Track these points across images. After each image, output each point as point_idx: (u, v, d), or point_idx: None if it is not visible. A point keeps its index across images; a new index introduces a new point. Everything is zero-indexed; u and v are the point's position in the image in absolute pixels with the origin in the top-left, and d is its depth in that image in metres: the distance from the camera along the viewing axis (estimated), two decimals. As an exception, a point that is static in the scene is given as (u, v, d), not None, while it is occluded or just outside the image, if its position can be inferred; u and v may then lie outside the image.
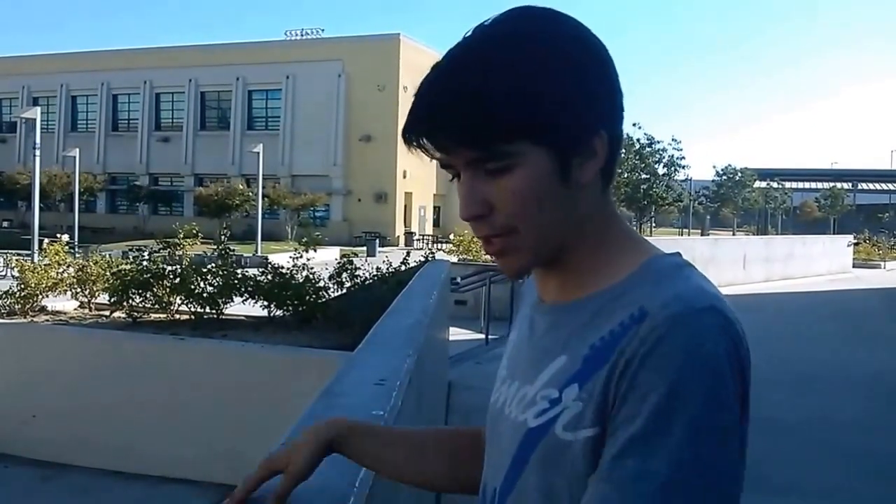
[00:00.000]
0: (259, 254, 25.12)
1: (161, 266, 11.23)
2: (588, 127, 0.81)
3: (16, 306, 10.88)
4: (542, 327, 0.88)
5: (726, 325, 0.75)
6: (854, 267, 28.10)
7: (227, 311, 10.99)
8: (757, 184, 62.88)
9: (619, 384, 0.74)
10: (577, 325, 0.82)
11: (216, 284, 10.82)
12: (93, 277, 11.26)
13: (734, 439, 0.73)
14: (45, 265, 11.45)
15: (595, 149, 0.82)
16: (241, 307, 11.08)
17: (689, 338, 0.73)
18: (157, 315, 11.08)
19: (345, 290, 10.81)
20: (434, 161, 0.88)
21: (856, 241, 31.44)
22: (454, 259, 16.15)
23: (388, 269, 10.78)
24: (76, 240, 26.14)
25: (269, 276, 10.83)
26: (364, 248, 27.24)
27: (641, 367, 0.73)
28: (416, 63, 42.76)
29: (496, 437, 0.91)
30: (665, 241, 22.93)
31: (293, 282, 10.66)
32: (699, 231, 61.46)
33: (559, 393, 0.80)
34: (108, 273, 11.14)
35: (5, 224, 42.80)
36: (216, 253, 11.69)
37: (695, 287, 0.78)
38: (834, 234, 38.84)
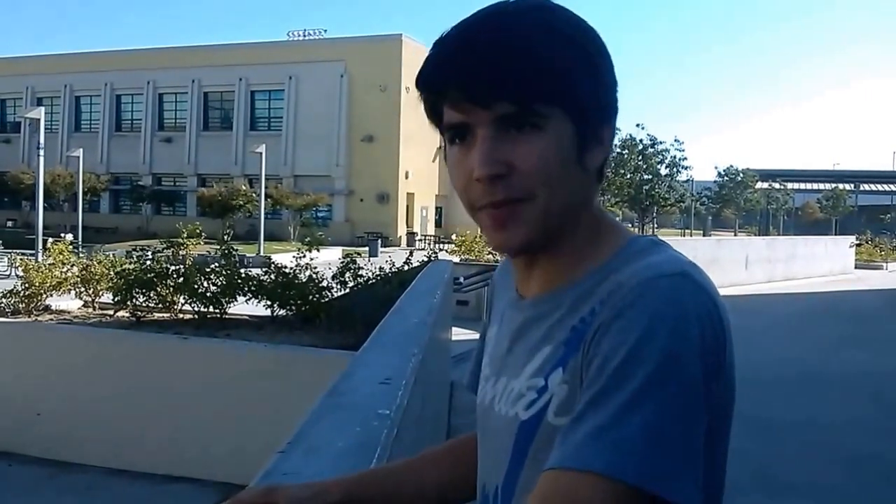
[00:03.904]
0: (262, 254, 25.12)
1: (164, 266, 11.26)
2: (602, 113, 0.84)
3: (20, 305, 10.92)
4: (525, 322, 0.88)
5: (696, 289, 0.75)
6: (856, 268, 28.06)
7: (230, 311, 11.01)
8: (759, 184, 62.72)
9: (589, 352, 0.76)
10: (560, 313, 0.83)
11: (219, 284, 10.85)
12: (96, 277, 11.28)
13: (693, 402, 0.71)
14: (49, 265, 11.48)
15: (603, 137, 0.85)
16: (244, 307, 11.10)
17: (653, 301, 0.73)
18: (161, 314, 11.11)
19: (348, 290, 10.84)
20: (438, 135, 0.86)
21: (858, 242, 31.35)
22: (456, 259, 16.16)
23: (391, 268, 10.80)
24: (80, 239, 26.10)
25: (273, 276, 10.85)
26: (366, 249, 27.20)
27: (607, 332, 0.74)
28: (419, 64, 42.46)
29: (488, 436, 0.91)
30: (668, 241, 22.87)
31: (296, 281, 10.68)
32: (701, 232, 61.40)
33: (545, 380, 0.81)
34: (111, 272, 11.17)
35: (9, 224, 42.80)
36: (219, 253, 11.73)
37: (668, 257, 0.80)
38: (836, 235, 38.76)
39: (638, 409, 0.69)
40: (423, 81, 0.84)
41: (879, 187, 72.38)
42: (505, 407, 0.87)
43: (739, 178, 61.37)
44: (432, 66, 0.83)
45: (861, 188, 71.44)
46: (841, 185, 65.70)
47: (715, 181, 62.65)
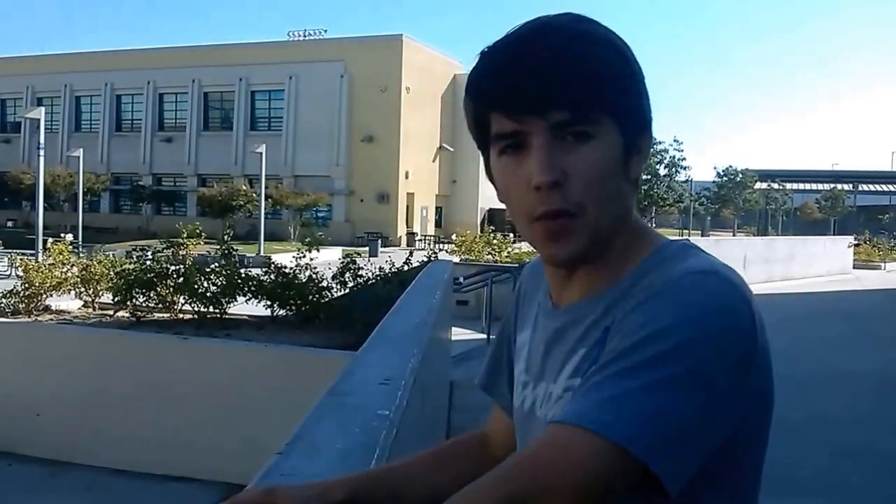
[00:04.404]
0: (262, 254, 25.13)
1: (164, 266, 11.28)
2: (642, 122, 0.88)
3: (20, 305, 10.94)
4: (561, 327, 0.90)
5: (726, 286, 0.77)
6: (854, 268, 28.03)
7: (230, 311, 11.03)
8: (757, 185, 62.71)
9: (612, 334, 0.79)
10: (594, 316, 0.86)
11: (219, 284, 10.87)
12: (97, 277, 11.30)
13: (700, 388, 0.72)
14: (49, 265, 11.50)
15: (641, 146, 0.87)
16: (244, 307, 11.12)
17: (680, 292, 0.76)
18: (161, 314, 11.13)
19: (348, 290, 10.85)
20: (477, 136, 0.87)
21: (856, 242, 31.33)
22: (456, 259, 16.16)
23: (390, 268, 10.81)
24: (80, 239, 26.13)
25: (273, 276, 10.86)
26: (366, 249, 27.21)
27: (630, 314, 0.77)
28: (419, 64, 42.74)
29: (531, 439, 0.92)
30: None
31: (296, 281, 10.70)
32: (699, 232, 61.32)
33: (582, 380, 0.83)
34: (111, 272, 11.19)
35: (10, 224, 42.77)
36: (219, 253, 11.74)
37: (701, 259, 0.83)
38: (834, 235, 38.75)
39: (638, 377, 0.71)
40: (475, 91, 0.85)
41: (878, 187, 72.39)
42: (545, 410, 0.89)
43: (738, 179, 61.37)
44: (484, 76, 0.84)
45: (859, 188, 71.43)
46: (839, 186, 65.66)
47: (714, 181, 62.65)
